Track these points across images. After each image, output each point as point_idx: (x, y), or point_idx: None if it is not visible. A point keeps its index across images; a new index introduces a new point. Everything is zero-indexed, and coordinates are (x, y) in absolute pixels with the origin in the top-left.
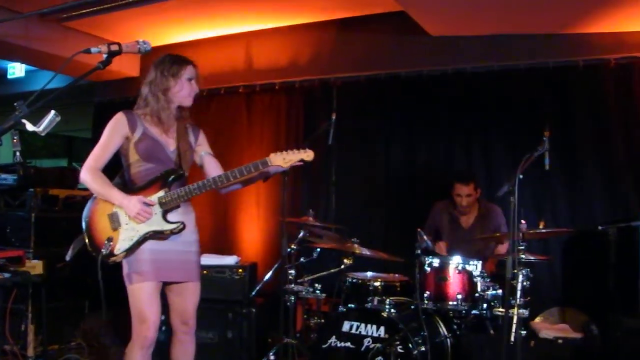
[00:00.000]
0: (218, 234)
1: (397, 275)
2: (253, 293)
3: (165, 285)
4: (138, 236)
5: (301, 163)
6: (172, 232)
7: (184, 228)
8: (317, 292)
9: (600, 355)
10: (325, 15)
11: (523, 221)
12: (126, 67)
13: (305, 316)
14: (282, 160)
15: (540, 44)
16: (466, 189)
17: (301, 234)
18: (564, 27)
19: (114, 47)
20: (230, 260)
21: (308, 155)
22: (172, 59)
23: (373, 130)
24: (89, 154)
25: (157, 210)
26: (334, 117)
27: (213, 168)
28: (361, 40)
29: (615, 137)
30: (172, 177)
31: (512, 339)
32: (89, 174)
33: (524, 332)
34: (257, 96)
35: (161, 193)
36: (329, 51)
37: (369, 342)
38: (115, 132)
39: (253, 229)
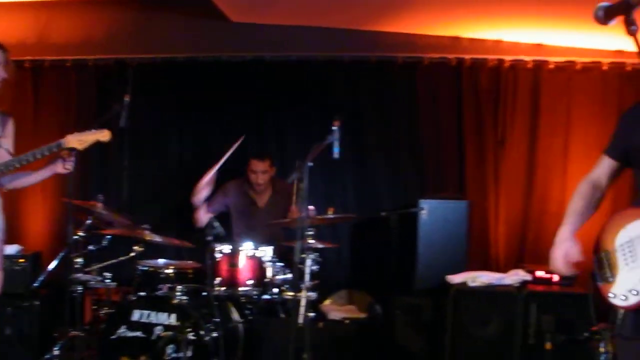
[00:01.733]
0: None
1: (189, 262)
2: (36, 284)
3: None
4: None
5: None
6: None
7: None
8: (107, 281)
9: (381, 332)
10: None
11: (311, 207)
12: None
13: (94, 307)
14: (78, 141)
15: (337, 38)
16: (262, 165)
17: (89, 221)
18: (360, 24)
19: None
20: (10, 249)
21: (104, 135)
22: None
23: (168, 114)
24: None
25: None
26: (126, 98)
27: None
28: (160, 21)
29: (400, 130)
30: None
31: (301, 321)
32: None
33: (312, 314)
34: (46, 73)
35: None
36: (126, 30)
37: (160, 330)
38: None
39: (38, 216)
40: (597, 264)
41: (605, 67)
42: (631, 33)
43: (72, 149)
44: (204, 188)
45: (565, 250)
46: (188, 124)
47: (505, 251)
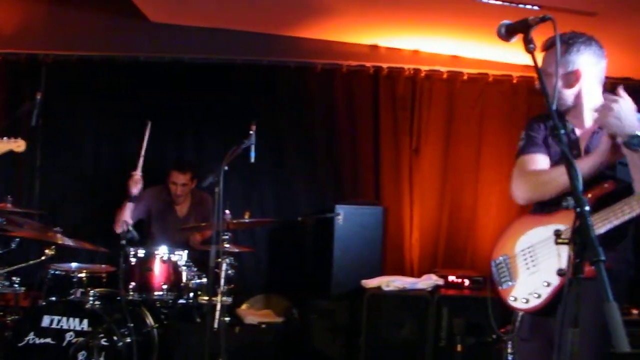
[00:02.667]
0: None
1: (103, 266)
2: None
3: None
4: None
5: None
6: None
7: None
8: (15, 285)
9: (298, 336)
10: None
11: (228, 211)
12: None
13: (1, 313)
14: None
15: (257, 42)
16: (182, 178)
17: None
18: (280, 29)
19: None
20: None
21: (19, 146)
22: None
23: (83, 114)
24: None
25: None
26: (39, 96)
27: None
28: (77, 18)
29: (318, 135)
30: None
31: (216, 325)
32: None
33: (228, 319)
34: None
35: None
36: (40, 25)
37: (71, 336)
38: None
39: None
40: (497, 268)
41: (515, 80)
42: (529, 51)
43: None
44: (124, 219)
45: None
46: (104, 124)
47: (419, 256)
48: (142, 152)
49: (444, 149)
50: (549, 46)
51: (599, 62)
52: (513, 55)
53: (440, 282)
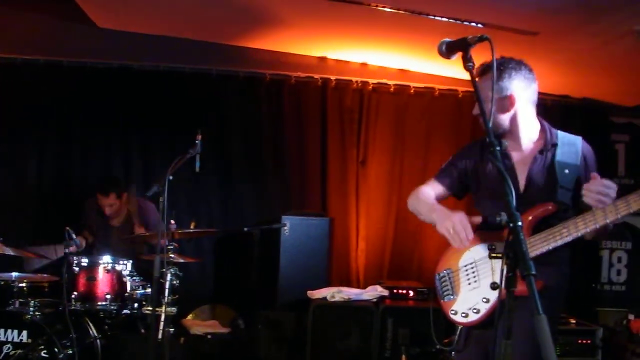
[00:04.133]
0: None
1: (45, 275)
2: None
3: None
4: None
5: None
6: None
7: None
8: None
9: (244, 346)
10: None
11: (173, 221)
12: None
13: None
14: None
15: (206, 51)
16: (106, 200)
17: None
18: (229, 39)
19: None
20: None
21: None
22: None
23: (27, 120)
24: None
25: None
26: None
27: None
28: (23, 20)
29: (265, 146)
30: None
31: (161, 336)
32: None
33: (173, 330)
34: None
35: None
36: None
37: (9, 348)
38: None
39: None
40: (440, 281)
41: (460, 95)
42: (467, 69)
43: None
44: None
45: (460, 215)
46: (48, 130)
47: (365, 267)
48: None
49: (391, 160)
50: (481, 72)
51: (530, 85)
52: (458, 71)
53: (386, 293)
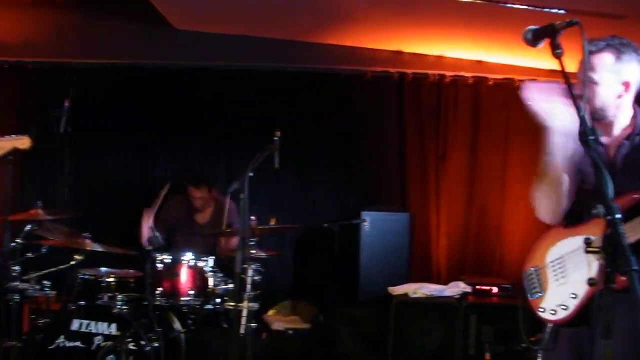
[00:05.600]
0: None
1: (131, 270)
2: None
3: None
4: None
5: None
6: None
7: None
8: (46, 289)
9: (325, 343)
10: None
11: (253, 217)
12: None
13: (32, 316)
14: None
15: (281, 49)
16: (198, 193)
17: (28, 228)
18: (303, 36)
19: None
20: None
21: (23, 143)
22: None
23: (111, 121)
24: None
25: None
26: (66, 104)
27: None
28: (103, 26)
29: (342, 142)
30: None
31: (243, 331)
32: None
33: (254, 325)
34: None
35: None
36: (68, 34)
37: (99, 340)
38: None
39: None
40: (527, 278)
41: None
42: (556, 56)
43: None
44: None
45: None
46: (131, 130)
47: (447, 263)
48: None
49: (471, 154)
50: (598, 49)
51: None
52: (539, 61)
53: (468, 289)
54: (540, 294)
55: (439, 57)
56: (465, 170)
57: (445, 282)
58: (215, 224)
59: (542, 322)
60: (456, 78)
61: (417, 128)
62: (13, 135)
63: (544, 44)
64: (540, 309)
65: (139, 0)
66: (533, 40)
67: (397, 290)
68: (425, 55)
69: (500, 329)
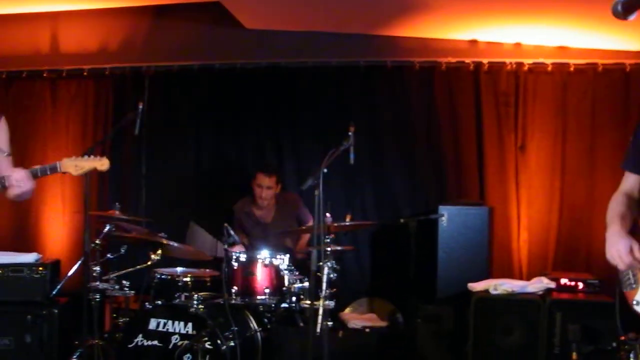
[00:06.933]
0: (19, 231)
1: (207, 270)
2: (54, 292)
3: None
4: None
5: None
6: None
7: None
8: (125, 289)
9: (402, 341)
10: (139, 0)
11: (328, 214)
12: None
13: (113, 315)
14: (74, 167)
15: (353, 43)
16: (268, 181)
17: (106, 228)
18: (375, 29)
19: None
20: (28, 257)
21: (102, 164)
22: None
23: (184, 122)
24: None
25: None
26: (140, 106)
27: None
28: (175, 29)
29: (418, 135)
30: None
31: (318, 330)
32: None
33: (330, 323)
34: (63, 82)
35: None
36: (141, 38)
37: (176, 339)
38: None
39: (57, 225)
40: (623, 271)
41: (628, 69)
42: None
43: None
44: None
45: (625, 244)
46: (204, 131)
47: (529, 258)
48: None
49: (552, 144)
50: None
51: None
52: (625, 42)
53: (552, 285)
54: (634, 286)
55: (517, 45)
56: (547, 161)
57: (528, 278)
58: (280, 221)
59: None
60: (535, 65)
61: (494, 119)
62: (91, 157)
63: (636, 16)
64: (634, 302)
65: (209, 2)
66: (623, 12)
67: (477, 286)
68: (502, 43)
69: (587, 327)
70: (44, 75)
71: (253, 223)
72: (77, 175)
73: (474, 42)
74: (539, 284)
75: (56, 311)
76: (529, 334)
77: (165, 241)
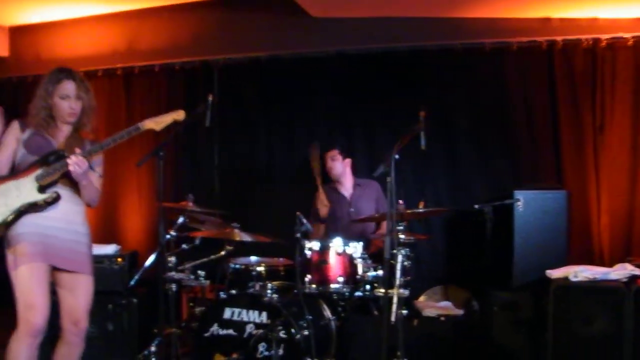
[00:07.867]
0: (98, 223)
1: (281, 259)
2: (132, 282)
3: (55, 280)
4: (9, 211)
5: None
6: (47, 202)
7: (58, 198)
8: (201, 279)
9: (479, 329)
10: None
11: (401, 201)
12: None
13: (190, 304)
14: (155, 123)
15: (420, 27)
16: (330, 153)
17: (180, 220)
18: (443, 11)
19: None
20: (109, 249)
21: (179, 114)
22: (51, 75)
23: (254, 113)
24: None
25: (32, 185)
26: (210, 98)
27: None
28: (243, 21)
29: (490, 119)
30: (52, 157)
31: (393, 318)
32: None
33: (405, 312)
34: (136, 78)
35: (39, 171)
36: (210, 32)
37: (251, 328)
38: (9, 134)
39: (134, 216)
40: None
41: None
42: None
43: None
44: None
45: None
46: (274, 121)
47: (610, 244)
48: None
49: (634, 123)
50: None
51: None
52: None
53: (637, 272)
54: None
55: (593, 20)
56: (629, 142)
57: (609, 265)
58: (359, 195)
59: None
60: (613, 40)
61: (570, 99)
62: (168, 113)
63: None
64: None
65: None
66: None
67: (556, 273)
68: (576, 19)
69: None
70: (118, 72)
71: (337, 195)
72: (159, 129)
73: (546, 20)
74: (622, 271)
75: (135, 301)
76: (613, 324)
77: (237, 235)
